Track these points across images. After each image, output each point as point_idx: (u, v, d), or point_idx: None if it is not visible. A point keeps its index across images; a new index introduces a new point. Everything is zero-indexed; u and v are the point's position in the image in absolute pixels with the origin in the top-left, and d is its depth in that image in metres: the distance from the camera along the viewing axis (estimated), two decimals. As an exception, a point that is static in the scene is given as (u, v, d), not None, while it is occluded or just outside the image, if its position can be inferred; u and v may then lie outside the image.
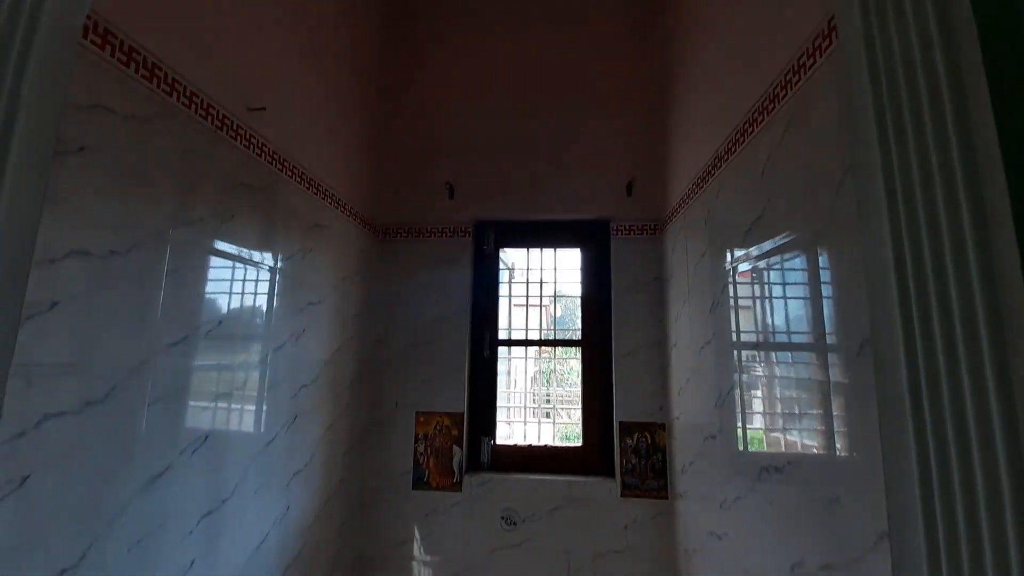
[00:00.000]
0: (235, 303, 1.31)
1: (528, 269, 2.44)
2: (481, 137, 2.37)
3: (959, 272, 0.44)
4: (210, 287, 1.21)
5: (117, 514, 0.93)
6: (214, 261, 1.22)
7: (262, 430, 1.42)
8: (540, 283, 2.41)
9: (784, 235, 1.02)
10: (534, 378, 2.47)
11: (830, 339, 0.83)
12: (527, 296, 2.41)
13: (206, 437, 1.19)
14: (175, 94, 1.08)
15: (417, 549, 2.10)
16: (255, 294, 1.40)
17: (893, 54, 0.51)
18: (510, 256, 2.51)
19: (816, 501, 0.86)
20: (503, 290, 2.42)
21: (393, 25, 2.48)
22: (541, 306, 2.45)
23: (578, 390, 2.32)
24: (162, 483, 1.04)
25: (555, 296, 2.42)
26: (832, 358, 0.82)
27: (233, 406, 1.30)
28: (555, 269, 2.41)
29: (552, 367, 2.48)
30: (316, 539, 1.75)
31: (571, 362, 2.50)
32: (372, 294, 2.27)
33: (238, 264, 1.32)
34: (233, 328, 1.30)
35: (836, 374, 0.81)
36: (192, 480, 1.13)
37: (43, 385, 0.79)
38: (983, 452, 0.43)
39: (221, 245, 1.24)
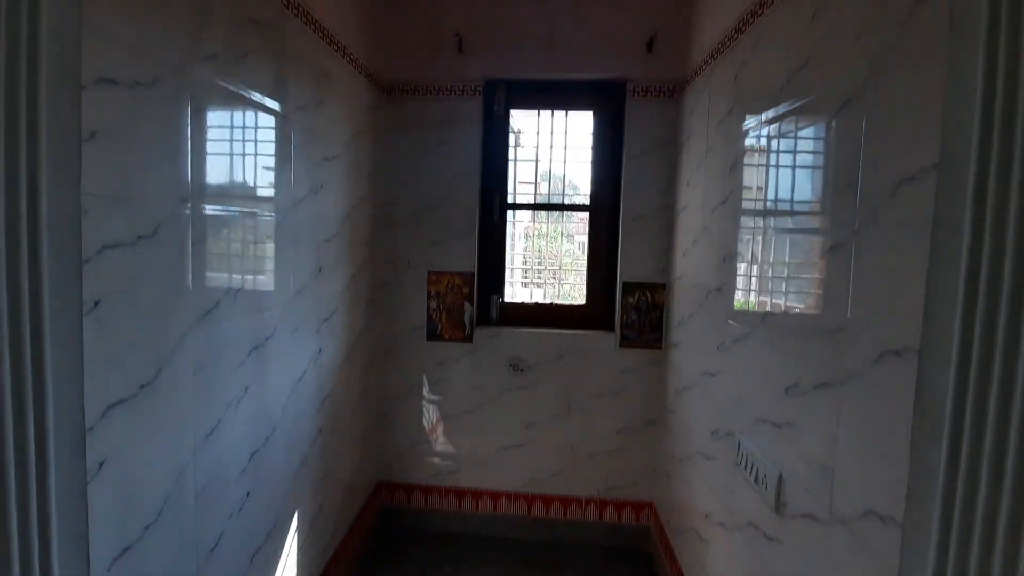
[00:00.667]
0: (259, 151, 1.29)
1: (538, 133, 2.37)
2: (492, -22, 2.14)
3: None
4: (235, 134, 1.19)
5: (179, 342, 1.02)
6: (234, 104, 1.18)
7: (293, 278, 1.50)
8: (550, 147, 2.36)
9: (821, 90, 1.00)
10: (538, 240, 2.54)
11: (858, 194, 0.86)
12: (536, 161, 2.38)
13: (244, 280, 1.26)
14: (169, -101, 0.96)
15: (432, 391, 2.33)
16: (275, 142, 1.37)
17: None
18: (517, 121, 2.42)
19: (818, 333, 0.96)
20: (511, 154, 2.38)
21: None
22: (550, 173, 2.43)
23: (581, 253, 2.41)
24: (213, 319, 1.13)
25: (564, 160, 2.39)
26: (858, 212, 0.87)
27: (267, 254, 1.35)
28: (565, 133, 2.34)
29: (558, 230, 2.54)
30: (345, 379, 1.94)
31: (576, 226, 2.55)
32: (382, 155, 2.22)
33: (259, 112, 1.28)
34: (259, 177, 1.30)
35: (855, 230, 0.86)
36: (238, 318, 1.22)
37: (97, 215, 0.82)
38: None
39: (239, 87, 1.19)
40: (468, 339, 2.31)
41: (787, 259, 1.14)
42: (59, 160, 0.68)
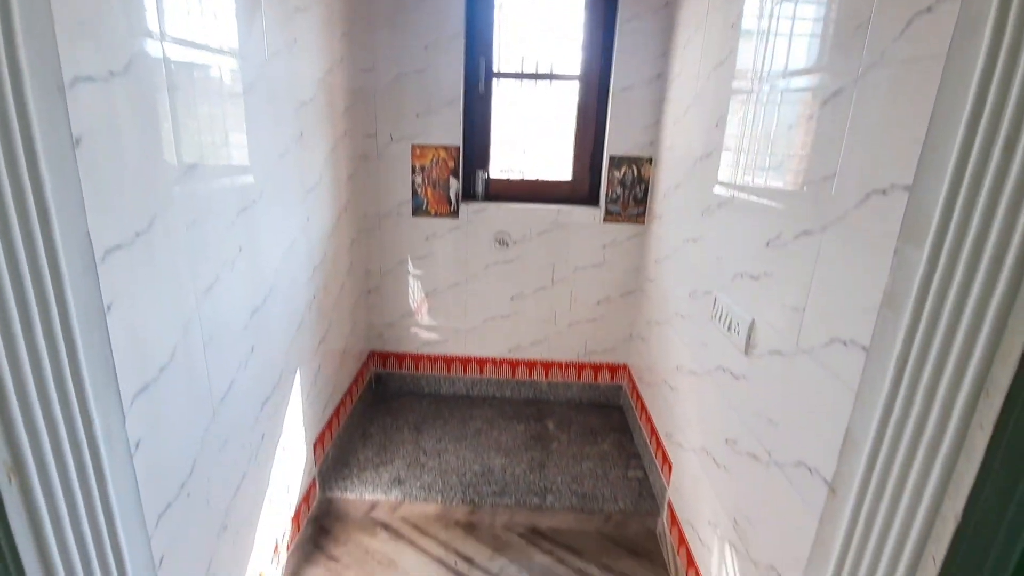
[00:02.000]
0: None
1: (525, -13, 2.16)
2: None
3: None
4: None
5: (168, 197, 0.99)
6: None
7: (274, 140, 1.43)
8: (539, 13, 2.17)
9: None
10: (523, 110, 2.44)
11: (867, 35, 0.84)
12: (524, 23, 2.20)
13: (227, 137, 1.20)
14: None
15: (419, 266, 2.38)
16: (240, -22, 1.23)
17: None
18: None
19: (807, 183, 1.00)
20: (496, 17, 2.19)
21: None
22: (539, 41, 2.26)
23: (567, 127, 2.34)
24: (198, 174, 1.09)
25: (553, 29, 2.22)
26: (864, 55, 0.85)
27: (246, 110, 1.27)
28: (557, -14, 2.14)
29: (545, 103, 2.43)
30: (333, 252, 1.94)
31: (562, 98, 2.44)
32: (357, 13, 2.01)
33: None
34: (229, 24, 1.18)
35: (859, 74, 0.85)
36: (224, 177, 1.19)
37: (66, 45, 0.75)
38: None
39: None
40: (454, 214, 2.31)
41: (781, 116, 1.14)
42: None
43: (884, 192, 0.76)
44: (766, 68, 1.21)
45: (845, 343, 0.84)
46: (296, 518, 1.63)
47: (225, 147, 1.20)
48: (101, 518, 0.62)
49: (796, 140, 1.07)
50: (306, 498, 1.71)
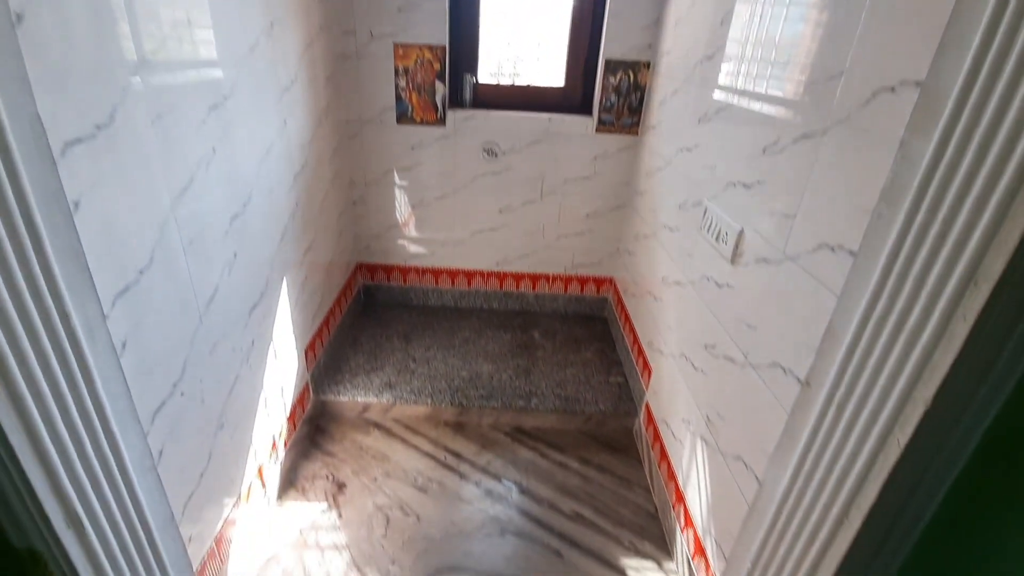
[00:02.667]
0: None
1: None
2: None
3: None
4: None
5: (127, 87, 0.91)
6: None
7: (244, 30, 1.31)
8: None
9: None
10: (517, 10, 2.25)
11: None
12: None
13: (188, 21, 1.09)
14: None
15: (405, 176, 2.30)
16: None
17: None
18: None
19: (811, 83, 0.95)
20: None
21: None
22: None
23: (562, 27, 2.17)
24: (159, 63, 1.00)
25: None
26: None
27: (204, -12, 1.14)
28: None
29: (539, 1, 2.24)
30: (315, 159, 1.86)
31: (559, -8, 2.24)
32: None
33: None
34: None
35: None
36: (189, 69, 1.09)
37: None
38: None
39: None
40: (441, 122, 2.20)
41: (791, 11, 1.06)
42: None
43: (893, 89, 0.73)
44: (780, -48, 1.10)
45: (833, 248, 0.85)
46: (292, 418, 1.70)
47: (188, 33, 1.09)
48: (91, 410, 0.63)
49: (805, 37, 1.00)
50: (300, 400, 1.78)
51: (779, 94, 1.07)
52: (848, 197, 0.81)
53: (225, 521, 1.30)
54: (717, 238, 1.29)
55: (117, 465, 0.66)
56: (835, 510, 0.56)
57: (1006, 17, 0.45)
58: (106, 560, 0.65)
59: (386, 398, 1.92)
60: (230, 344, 1.29)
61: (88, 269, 0.67)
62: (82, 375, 0.61)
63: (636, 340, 2.05)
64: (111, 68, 0.88)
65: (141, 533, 0.71)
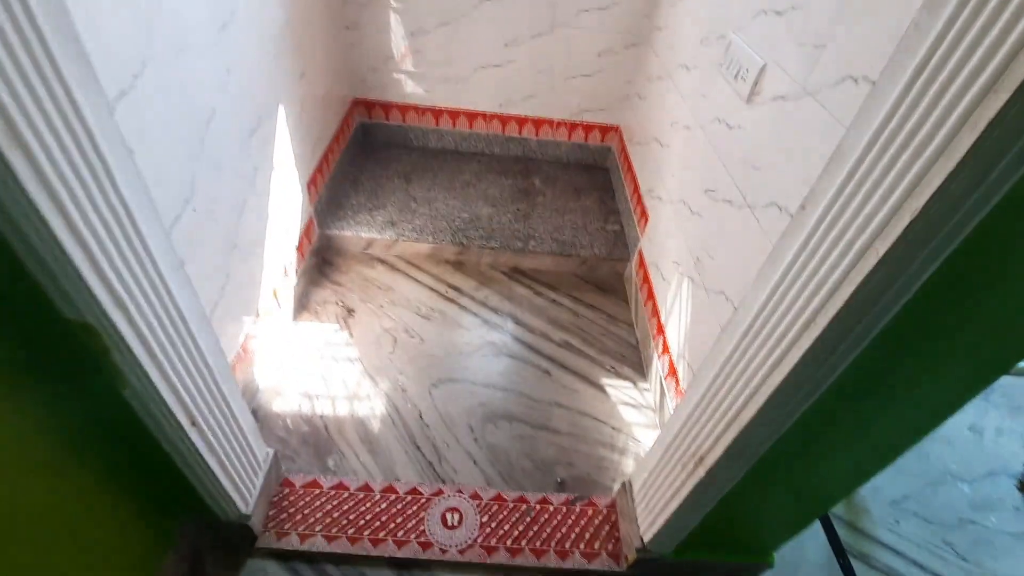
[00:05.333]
0: None
1: None
2: None
3: None
4: None
5: None
6: None
7: None
8: None
9: None
10: None
11: None
12: None
13: None
14: None
15: (401, 0, 2.07)
16: None
17: None
18: None
19: None
20: None
21: None
22: None
23: None
24: None
25: None
26: None
27: None
28: None
29: None
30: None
31: None
32: None
33: None
34: None
35: None
36: None
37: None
38: None
39: None
40: (440, -75, 1.91)
41: None
42: None
43: None
44: None
45: (856, 80, 0.82)
46: (300, 248, 1.77)
47: None
48: (116, 203, 0.66)
49: None
50: (306, 232, 1.83)
51: None
52: (887, 21, 0.76)
53: (247, 335, 1.43)
54: (736, 75, 1.23)
55: (148, 258, 0.71)
56: (804, 316, 0.64)
57: None
58: (153, 337, 0.74)
59: (389, 235, 1.98)
60: (234, 168, 1.28)
61: (89, 61, 0.64)
62: (102, 168, 0.63)
63: (636, 188, 2.06)
64: None
65: (178, 320, 0.79)
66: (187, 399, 0.84)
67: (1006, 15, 0.43)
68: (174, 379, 0.80)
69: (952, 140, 0.47)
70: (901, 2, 0.74)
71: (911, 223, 0.51)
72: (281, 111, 1.56)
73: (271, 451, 1.22)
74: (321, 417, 1.48)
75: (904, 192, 0.50)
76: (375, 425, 1.48)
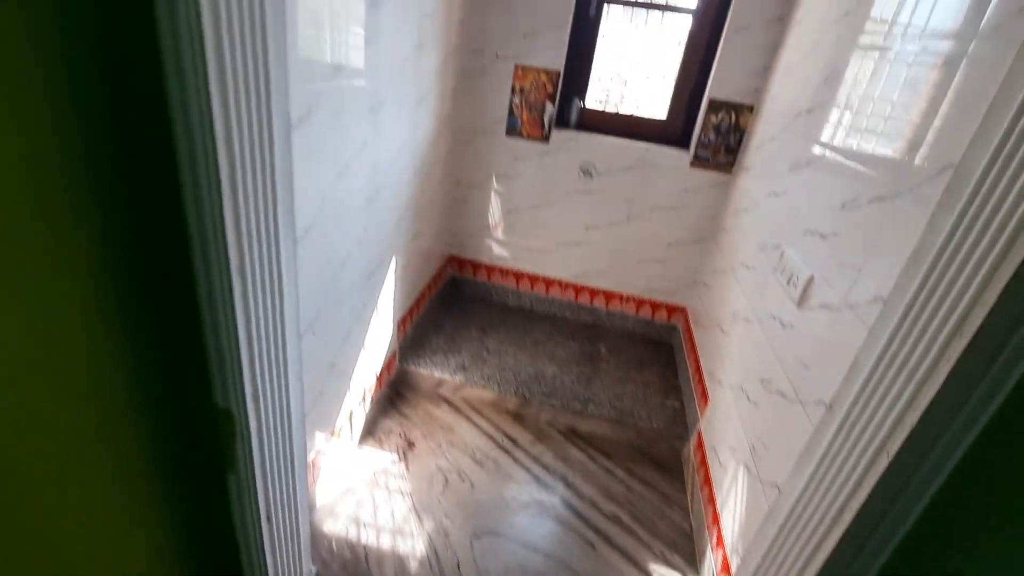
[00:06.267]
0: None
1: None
2: None
3: None
4: None
5: (321, 90, 1.19)
6: None
7: (399, 49, 1.59)
8: (668, -75, 2.09)
9: None
10: (630, 45, 2.42)
11: (982, 27, 0.85)
12: (648, -58, 2.14)
13: (365, 42, 1.37)
14: None
15: (504, 183, 2.53)
16: None
17: None
18: None
19: (894, 154, 1.04)
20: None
21: None
22: (661, -42, 2.19)
23: (670, 64, 2.31)
24: (342, 75, 1.28)
25: (680, -54, 2.14)
26: (974, 48, 0.86)
27: (380, 17, 1.43)
28: (691, -93, 2.04)
29: (652, 35, 2.39)
30: (432, 159, 2.14)
31: (670, 32, 2.38)
32: (480, -84, 2.05)
33: None
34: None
35: (964, 69, 0.86)
36: (358, 80, 1.37)
37: None
38: None
39: None
40: (545, 139, 2.41)
41: (904, 80, 1.14)
42: None
43: (946, 168, 0.82)
44: (894, 27, 1.19)
45: (885, 301, 0.93)
46: (379, 377, 1.97)
47: (361, 52, 1.37)
48: (277, 312, 0.88)
49: (912, 108, 1.09)
50: (388, 365, 2.04)
51: (868, 156, 1.15)
52: (902, 256, 0.90)
53: (318, 451, 1.57)
54: (788, 281, 1.38)
55: (283, 363, 0.91)
56: (832, 511, 0.67)
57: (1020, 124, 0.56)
58: (264, 434, 0.90)
59: (459, 378, 2.14)
60: (350, 302, 1.56)
61: (293, 217, 0.92)
62: (278, 292, 0.86)
63: (699, 369, 2.13)
64: (312, 75, 1.16)
65: (286, 422, 0.95)
66: (271, 495, 0.96)
67: (962, 277, 0.55)
68: (268, 473, 0.93)
69: (933, 370, 0.56)
70: (913, 244, 0.88)
71: (912, 432, 0.58)
72: (394, 260, 1.90)
73: (314, 569, 1.26)
74: (364, 546, 1.51)
75: (903, 407, 0.58)
76: (413, 565, 1.48)
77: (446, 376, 2.15)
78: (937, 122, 0.92)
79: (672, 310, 2.61)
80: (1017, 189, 0.53)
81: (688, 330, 2.43)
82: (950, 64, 0.92)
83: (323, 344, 1.42)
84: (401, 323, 2.12)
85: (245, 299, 0.79)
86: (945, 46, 0.95)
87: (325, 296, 1.39)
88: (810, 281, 1.26)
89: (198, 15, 0.58)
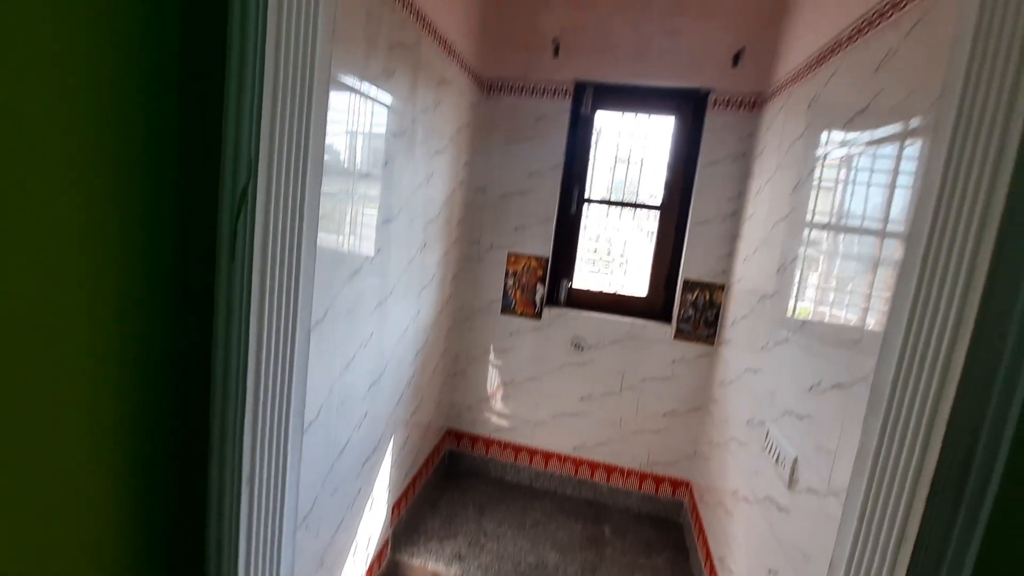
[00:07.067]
0: (399, 147, 1.63)
1: (619, 133, 2.58)
2: (593, -11, 2.35)
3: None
4: (378, 132, 1.53)
5: (337, 293, 1.37)
6: (382, 109, 1.51)
7: (407, 252, 1.84)
8: (629, 147, 2.56)
9: (880, 130, 1.17)
10: (609, 233, 2.77)
11: (890, 227, 1.05)
12: (615, 160, 2.60)
13: (377, 251, 1.60)
14: (361, -40, 1.27)
15: (501, 357, 2.66)
16: (404, 139, 1.70)
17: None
18: (600, 120, 2.62)
19: (841, 345, 1.17)
20: (592, 152, 2.61)
21: None
22: (627, 170, 2.64)
23: (649, 246, 2.62)
24: (358, 277, 1.48)
25: (640, 163, 2.59)
26: (888, 244, 1.06)
27: (392, 231, 1.69)
28: (644, 136, 2.53)
29: (629, 225, 2.75)
30: (433, 338, 2.30)
31: (646, 222, 2.75)
32: (477, 146, 2.52)
33: (392, 113, 1.60)
34: (398, 166, 1.63)
35: (887, 257, 1.05)
36: (372, 278, 1.58)
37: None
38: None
39: (388, 97, 1.51)
40: (537, 316, 2.61)
41: (834, 274, 1.33)
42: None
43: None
44: (826, 231, 1.42)
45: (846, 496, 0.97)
46: (370, 570, 1.84)
47: (376, 258, 1.60)
48: (276, 510, 0.90)
49: (843, 300, 1.25)
50: (379, 555, 1.92)
51: (821, 344, 1.28)
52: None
53: (296, 664, 1.41)
54: (777, 461, 1.41)
55: (277, 559, 0.90)
56: None
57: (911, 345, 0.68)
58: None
59: (454, 570, 2.00)
60: (345, 490, 1.55)
61: (304, 405, 1.00)
62: (280, 488, 0.90)
63: (708, 554, 2.00)
64: (333, 281, 1.34)
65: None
66: None
67: (884, 485, 0.62)
68: None
69: (898, 555, 0.60)
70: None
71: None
72: (392, 440, 1.92)
73: None
74: None
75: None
76: None
77: (440, 567, 2.00)
78: (870, 319, 1.06)
79: (676, 484, 2.53)
80: (929, 407, 0.63)
81: (694, 507, 2.33)
82: (882, 263, 1.09)
83: (314, 537, 1.38)
84: (396, 506, 2.05)
85: (251, 504, 0.83)
86: (871, 245, 1.14)
87: (322, 485, 1.40)
88: (796, 463, 1.29)
89: (249, 292, 0.73)
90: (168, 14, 0.74)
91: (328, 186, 1.26)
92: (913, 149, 1.03)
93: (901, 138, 1.07)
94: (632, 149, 2.57)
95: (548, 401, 2.63)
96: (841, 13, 1.51)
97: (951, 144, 0.64)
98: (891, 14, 1.22)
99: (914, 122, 1.03)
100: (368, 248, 1.54)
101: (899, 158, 1.08)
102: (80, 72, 0.62)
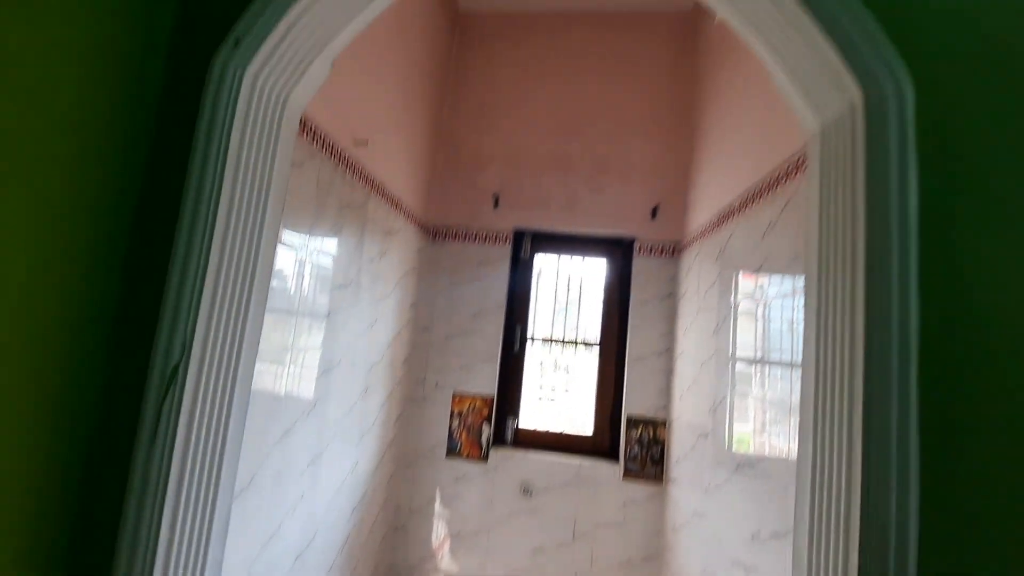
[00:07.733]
0: (344, 297, 1.67)
1: (557, 275, 2.78)
2: (527, 154, 2.69)
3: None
4: (323, 286, 1.57)
5: (267, 455, 1.30)
6: (328, 264, 1.58)
7: (347, 400, 1.80)
8: (567, 288, 2.74)
9: (777, 283, 1.35)
10: (552, 370, 2.83)
11: (796, 361, 1.16)
12: (555, 299, 2.76)
13: (315, 404, 1.56)
14: (315, 142, 1.43)
15: (447, 507, 2.49)
16: (350, 290, 1.75)
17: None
18: (539, 262, 2.83)
19: (774, 489, 1.20)
20: (533, 293, 2.77)
21: (458, 42, 2.79)
22: (566, 309, 2.79)
23: (589, 384, 2.68)
24: (289, 436, 1.41)
25: (579, 302, 2.76)
26: (796, 376, 1.16)
27: (332, 380, 1.66)
28: (580, 281, 2.74)
29: (571, 362, 2.83)
30: (372, 489, 2.14)
31: (586, 360, 2.84)
32: (423, 288, 2.62)
33: (345, 266, 1.67)
34: (342, 316, 1.66)
35: (796, 390, 1.14)
36: (306, 435, 1.51)
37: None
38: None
39: (335, 253, 1.59)
40: (484, 458, 2.51)
41: (757, 416, 1.40)
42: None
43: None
44: (750, 367, 1.53)
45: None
46: None
47: (312, 412, 1.54)
48: None
49: (770, 441, 1.31)
50: None
51: (757, 488, 1.31)
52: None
53: None
54: (734, 618, 1.34)
55: None
56: None
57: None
58: None
59: None
60: None
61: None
62: None
63: None
64: (261, 445, 1.27)
65: None
66: None
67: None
68: None
69: None
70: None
71: None
72: (317, 624, 1.67)
73: None
74: None
75: None
76: None
77: None
78: (795, 460, 1.11)
79: (639, 647, 2.29)
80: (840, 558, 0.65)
81: (661, 675, 2.10)
82: (794, 409, 1.17)
83: None
84: None
85: None
86: (788, 391, 1.23)
87: None
88: (752, 621, 1.24)
89: (167, 474, 0.70)
90: (128, 193, 0.79)
91: (266, 343, 1.25)
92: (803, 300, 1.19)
93: (792, 294, 1.24)
94: (570, 289, 2.76)
95: (498, 556, 2.42)
96: (731, 186, 1.80)
97: (818, 302, 0.76)
98: (767, 193, 1.48)
99: (799, 282, 1.20)
100: (305, 401, 1.50)
101: (794, 308, 1.23)
102: (33, 246, 0.64)
